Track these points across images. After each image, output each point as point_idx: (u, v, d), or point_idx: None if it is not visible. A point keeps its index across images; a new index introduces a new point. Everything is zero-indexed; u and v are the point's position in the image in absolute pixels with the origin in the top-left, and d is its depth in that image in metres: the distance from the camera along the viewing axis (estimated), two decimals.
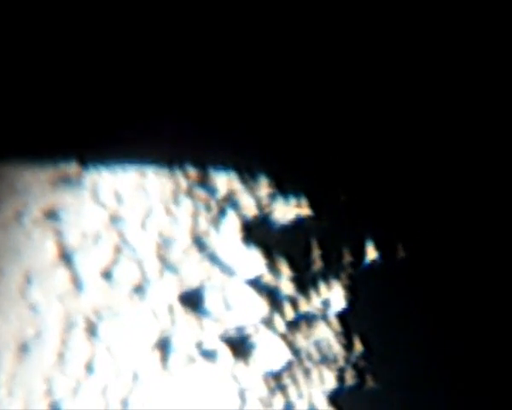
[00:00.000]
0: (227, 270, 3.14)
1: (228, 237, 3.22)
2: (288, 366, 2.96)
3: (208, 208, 3.27)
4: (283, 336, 3.02)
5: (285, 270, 3.14)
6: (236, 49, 3.63)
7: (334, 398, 2.92)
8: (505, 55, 3.38)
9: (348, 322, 3.05)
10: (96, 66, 3.65)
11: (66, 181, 3.35)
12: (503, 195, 3.23)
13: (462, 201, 3.23)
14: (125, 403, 2.85)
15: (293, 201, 3.29)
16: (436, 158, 3.33)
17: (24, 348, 2.93)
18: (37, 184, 3.32)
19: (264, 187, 3.33)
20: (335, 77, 3.56)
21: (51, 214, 3.24)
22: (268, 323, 3.04)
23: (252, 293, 3.10)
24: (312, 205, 3.28)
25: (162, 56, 3.66)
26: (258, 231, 3.24)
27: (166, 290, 3.08)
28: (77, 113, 3.55)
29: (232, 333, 3.02)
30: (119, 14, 3.72)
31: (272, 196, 3.31)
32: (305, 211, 3.27)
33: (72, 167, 3.38)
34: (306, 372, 2.96)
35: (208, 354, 2.97)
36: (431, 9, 3.44)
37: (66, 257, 3.13)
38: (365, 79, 3.53)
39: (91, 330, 2.98)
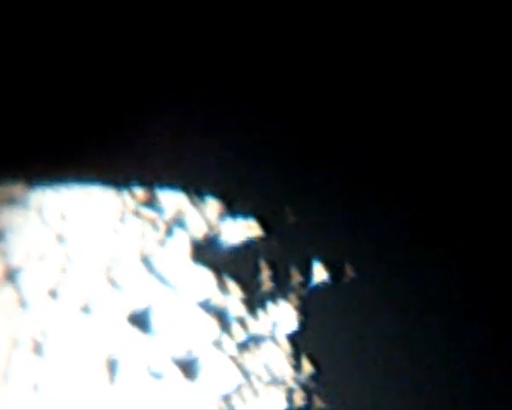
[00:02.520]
0: (176, 291, 3.12)
1: (176, 257, 3.20)
2: (238, 388, 2.95)
3: (156, 229, 3.25)
4: (233, 358, 3.00)
5: (234, 291, 3.13)
6: (182, 64, 3.63)
7: None
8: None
9: (297, 343, 3.05)
10: (41, 84, 3.61)
11: (12, 201, 3.29)
12: (447, 209, 3.28)
13: (408, 222, 3.27)
14: None
15: (242, 221, 3.29)
16: (381, 180, 3.37)
17: None
18: None
19: (212, 208, 3.32)
20: (278, 97, 3.58)
21: None
22: (217, 344, 3.02)
23: (201, 314, 3.07)
24: (261, 225, 3.28)
25: (107, 73, 3.63)
26: (207, 252, 3.23)
27: (114, 311, 3.04)
28: (22, 132, 3.50)
29: (181, 354, 2.99)
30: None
31: (221, 217, 3.30)
32: (255, 231, 3.27)
33: (17, 187, 3.33)
34: (256, 394, 2.94)
35: (157, 376, 2.93)
36: None
37: (12, 277, 3.08)
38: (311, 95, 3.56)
39: (38, 350, 2.92)
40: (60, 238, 3.20)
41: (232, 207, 3.32)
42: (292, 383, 2.97)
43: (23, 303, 3.02)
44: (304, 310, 3.11)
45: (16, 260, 3.12)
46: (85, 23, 3.70)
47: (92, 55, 3.65)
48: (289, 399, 2.94)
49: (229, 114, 3.55)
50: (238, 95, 3.57)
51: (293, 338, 3.06)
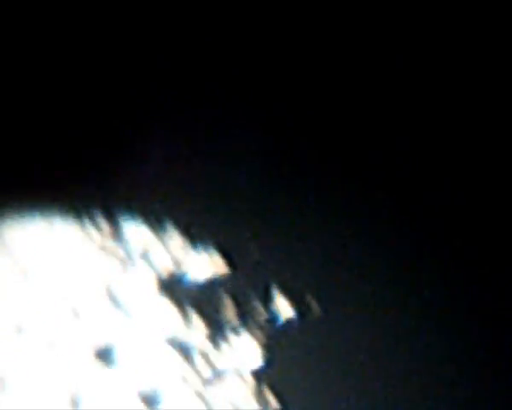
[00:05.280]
0: (141, 325, 3.10)
1: (141, 292, 3.18)
2: None
3: (121, 262, 3.23)
4: (198, 393, 2.99)
5: (199, 326, 3.12)
6: (144, 92, 3.63)
7: None
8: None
9: (263, 378, 3.05)
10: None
11: None
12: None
13: (376, 257, 3.30)
14: None
15: (206, 256, 3.29)
16: (348, 214, 3.40)
17: None
18: None
19: (177, 242, 3.31)
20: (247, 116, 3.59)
21: None
22: (182, 379, 3.01)
23: (166, 349, 3.06)
24: (226, 261, 3.28)
25: (64, 102, 3.61)
26: (171, 287, 3.22)
27: (79, 345, 3.01)
28: None
29: (146, 389, 2.97)
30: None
31: (186, 251, 3.30)
32: (219, 267, 3.27)
33: None
34: None
35: None
36: None
37: None
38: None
39: (2, 385, 2.87)
40: (23, 271, 3.16)
41: (196, 242, 3.32)
42: None
43: None
44: (269, 346, 3.11)
45: None
46: (49, 44, 3.68)
47: (52, 81, 3.63)
48: None
49: (192, 145, 3.55)
50: (200, 126, 3.58)
51: (259, 374, 3.06)
